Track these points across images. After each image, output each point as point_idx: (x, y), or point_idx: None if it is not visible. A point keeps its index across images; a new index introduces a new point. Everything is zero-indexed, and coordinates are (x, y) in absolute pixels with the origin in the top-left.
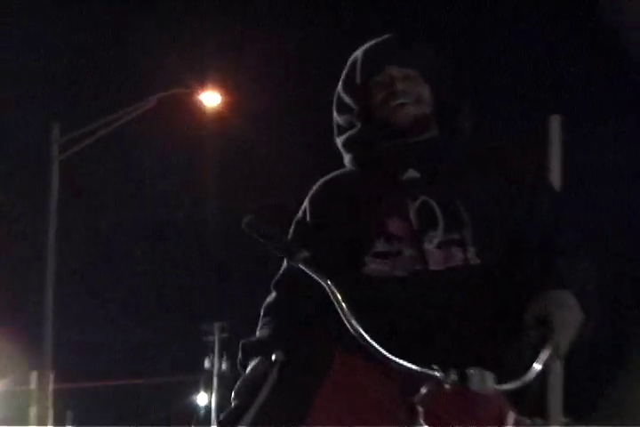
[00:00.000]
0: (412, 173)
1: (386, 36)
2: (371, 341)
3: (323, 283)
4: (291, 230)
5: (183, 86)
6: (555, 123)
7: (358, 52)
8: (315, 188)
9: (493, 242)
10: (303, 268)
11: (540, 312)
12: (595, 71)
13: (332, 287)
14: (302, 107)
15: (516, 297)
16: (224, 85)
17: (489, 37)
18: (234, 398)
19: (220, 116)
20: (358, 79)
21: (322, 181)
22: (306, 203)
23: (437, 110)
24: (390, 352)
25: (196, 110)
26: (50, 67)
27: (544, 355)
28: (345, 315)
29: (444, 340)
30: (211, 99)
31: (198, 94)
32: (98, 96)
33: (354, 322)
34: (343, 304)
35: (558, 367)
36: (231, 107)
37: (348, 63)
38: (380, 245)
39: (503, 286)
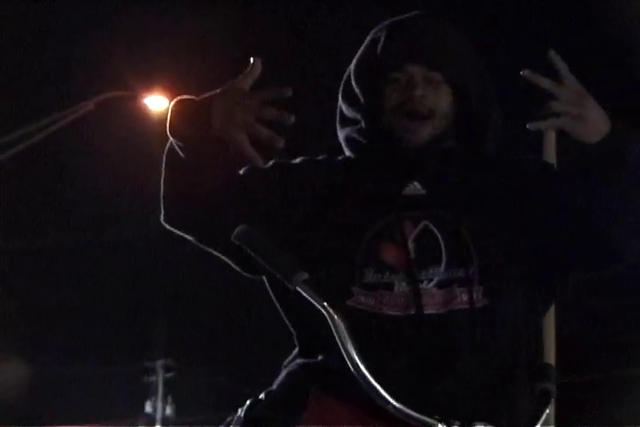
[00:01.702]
0: (416, 188)
1: (412, 15)
2: (373, 381)
3: (324, 311)
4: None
5: (127, 89)
6: (550, 134)
7: (381, 33)
8: (301, 159)
9: (504, 280)
10: (301, 292)
11: None
12: (588, 64)
13: (336, 318)
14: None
15: (527, 339)
16: (172, 89)
17: (480, 34)
18: None
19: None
20: (373, 71)
21: (308, 158)
22: (282, 167)
23: (457, 121)
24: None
25: (140, 115)
26: None
27: (547, 409)
28: (346, 349)
29: (441, 389)
30: (157, 103)
31: (143, 98)
32: (32, 99)
33: (356, 359)
34: (347, 338)
35: (551, 417)
36: None
37: (368, 41)
38: (370, 275)
39: (515, 325)
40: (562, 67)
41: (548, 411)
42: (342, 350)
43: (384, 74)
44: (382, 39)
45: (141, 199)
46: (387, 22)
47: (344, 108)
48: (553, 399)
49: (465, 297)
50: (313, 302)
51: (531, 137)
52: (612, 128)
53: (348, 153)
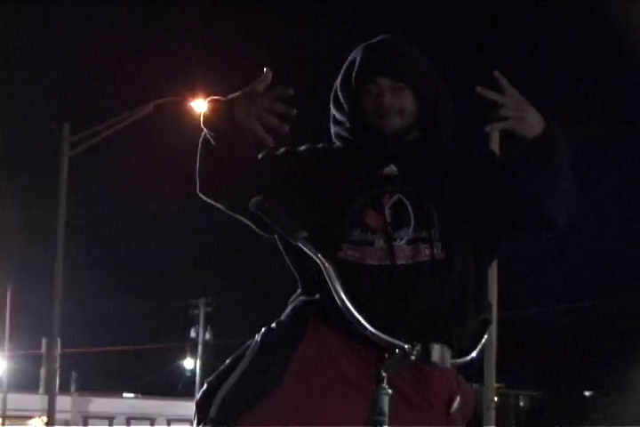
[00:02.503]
0: (392, 170)
1: (382, 38)
2: (355, 312)
3: (318, 260)
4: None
5: (177, 93)
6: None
7: (357, 55)
8: (305, 146)
9: (458, 237)
10: (302, 246)
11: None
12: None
13: (327, 265)
14: (302, 106)
15: (475, 282)
16: (212, 94)
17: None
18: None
19: None
20: (352, 85)
21: (311, 145)
22: (290, 151)
23: (420, 117)
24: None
25: (187, 115)
26: (62, 73)
27: (486, 334)
28: (335, 288)
29: (409, 319)
30: (200, 105)
31: (189, 102)
32: (103, 100)
33: (343, 296)
34: (336, 280)
35: (494, 344)
36: None
37: (347, 62)
38: (356, 235)
39: (464, 276)
40: (504, 83)
41: (487, 335)
42: (332, 290)
43: (360, 87)
44: (357, 60)
45: (187, 181)
46: (360, 46)
47: (334, 111)
48: (491, 326)
49: (427, 252)
50: (310, 253)
51: (480, 133)
52: (545, 126)
53: (337, 143)
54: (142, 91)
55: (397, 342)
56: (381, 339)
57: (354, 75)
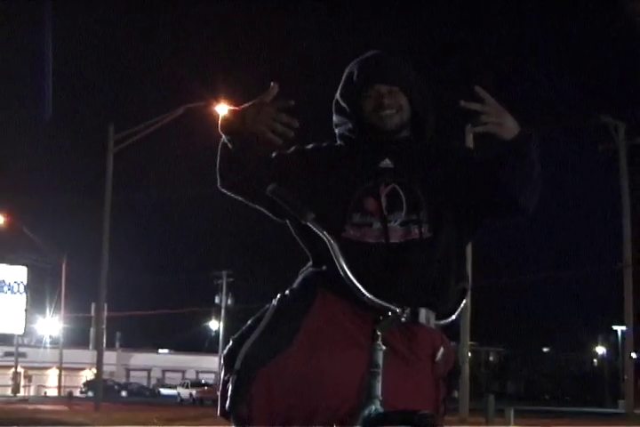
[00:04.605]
0: (387, 163)
1: (373, 53)
2: (355, 281)
3: (324, 238)
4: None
5: (204, 98)
6: (469, 131)
7: (354, 68)
8: (313, 144)
9: (443, 220)
10: (311, 226)
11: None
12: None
13: (333, 242)
14: (307, 110)
15: (456, 258)
16: (233, 100)
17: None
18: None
19: None
20: (353, 92)
21: (317, 144)
22: (299, 150)
23: (411, 117)
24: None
25: (211, 118)
26: (110, 78)
27: (464, 301)
28: (339, 261)
29: (400, 287)
30: (223, 110)
31: (214, 106)
32: (142, 102)
33: (346, 268)
34: (340, 255)
35: (468, 309)
36: None
37: (345, 75)
38: (357, 218)
39: (448, 252)
40: (484, 94)
41: (465, 301)
42: (336, 263)
43: (361, 93)
44: (356, 71)
45: (209, 176)
46: (355, 61)
47: (336, 117)
48: (468, 293)
49: (417, 231)
50: (318, 232)
51: (455, 131)
52: (520, 130)
53: (339, 142)
54: (172, 95)
55: (390, 306)
56: (376, 303)
57: (355, 82)
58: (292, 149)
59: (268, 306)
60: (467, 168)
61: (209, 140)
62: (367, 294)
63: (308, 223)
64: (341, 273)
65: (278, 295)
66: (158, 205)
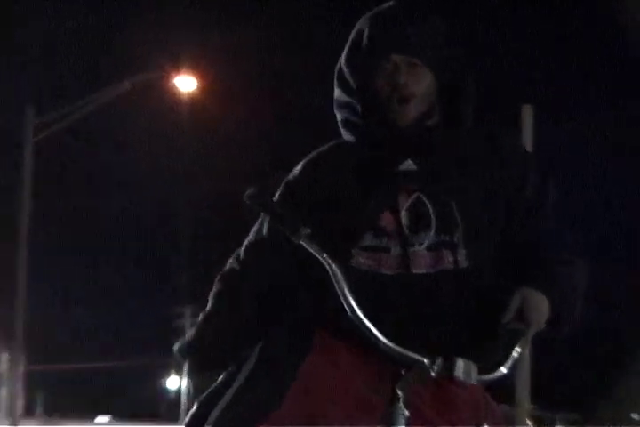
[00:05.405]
0: (409, 165)
1: (392, 6)
2: (365, 320)
3: (323, 261)
4: (279, 194)
5: (158, 70)
6: (526, 112)
7: (365, 26)
8: (310, 158)
9: (484, 244)
10: (304, 244)
11: (520, 307)
12: (567, 60)
13: (335, 267)
14: (280, 89)
15: (501, 294)
16: (198, 69)
17: (463, 27)
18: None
19: (195, 101)
20: (362, 60)
21: (318, 152)
22: (298, 171)
23: (440, 96)
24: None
25: (170, 95)
26: (24, 50)
27: (519, 349)
28: (344, 294)
29: (429, 332)
30: (186, 83)
31: (173, 78)
32: (72, 80)
33: (352, 301)
34: (344, 285)
35: (526, 360)
36: (207, 91)
37: (354, 33)
38: (369, 239)
39: (490, 286)
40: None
41: (520, 348)
42: (340, 294)
43: (372, 63)
44: (366, 31)
45: (170, 171)
46: (369, 13)
47: (338, 92)
48: (526, 338)
49: (450, 259)
50: (314, 252)
51: (508, 111)
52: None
53: (345, 135)
54: (114, 68)
55: (415, 355)
56: (397, 352)
57: (363, 49)
58: (282, 185)
59: (249, 354)
60: (514, 193)
61: (166, 126)
62: (383, 339)
63: (302, 242)
64: (347, 310)
65: (261, 342)
66: (93, 215)
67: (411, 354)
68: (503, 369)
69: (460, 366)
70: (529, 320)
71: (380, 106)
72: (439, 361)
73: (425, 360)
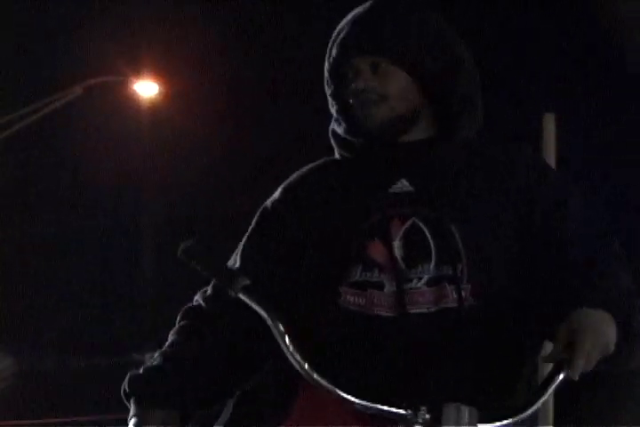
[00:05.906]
0: (403, 185)
1: (366, 6)
2: (321, 380)
3: (263, 315)
4: (255, 222)
5: (116, 74)
6: (549, 121)
7: (339, 29)
8: (290, 181)
9: (493, 277)
10: (243, 298)
11: (568, 337)
12: (589, 68)
13: (276, 320)
14: (243, 95)
15: (519, 333)
16: (160, 74)
17: (480, 33)
18: None
19: (156, 108)
20: (330, 68)
21: (301, 172)
22: (277, 197)
23: (430, 103)
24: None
25: (129, 100)
26: None
27: (548, 390)
28: (290, 352)
29: (429, 380)
30: (146, 88)
31: (132, 83)
32: (20, 84)
33: (299, 359)
34: (288, 343)
35: (550, 403)
36: (169, 97)
37: (332, 37)
38: (358, 274)
39: (502, 325)
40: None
41: (545, 397)
42: (288, 356)
43: (336, 70)
44: (332, 37)
45: (129, 183)
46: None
47: (329, 99)
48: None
49: (454, 295)
50: (254, 306)
51: (528, 124)
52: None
53: (336, 150)
54: (69, 72)
55: (395, 410)
56: (375, 409)
57: (330, 61)
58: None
59: (221, 415)
60: (528, 211)
61: (123, 134)
62: (355, 400)
63: (240, 295)
64: (300, 370)
65: (236, 395)
66: (44, 242)
67: (392, 409)
68: (517, 416)
69: (449, 412)
70: (581, 350)
71: (350, 115)
72: (422, 411)
73: (406, 412)
